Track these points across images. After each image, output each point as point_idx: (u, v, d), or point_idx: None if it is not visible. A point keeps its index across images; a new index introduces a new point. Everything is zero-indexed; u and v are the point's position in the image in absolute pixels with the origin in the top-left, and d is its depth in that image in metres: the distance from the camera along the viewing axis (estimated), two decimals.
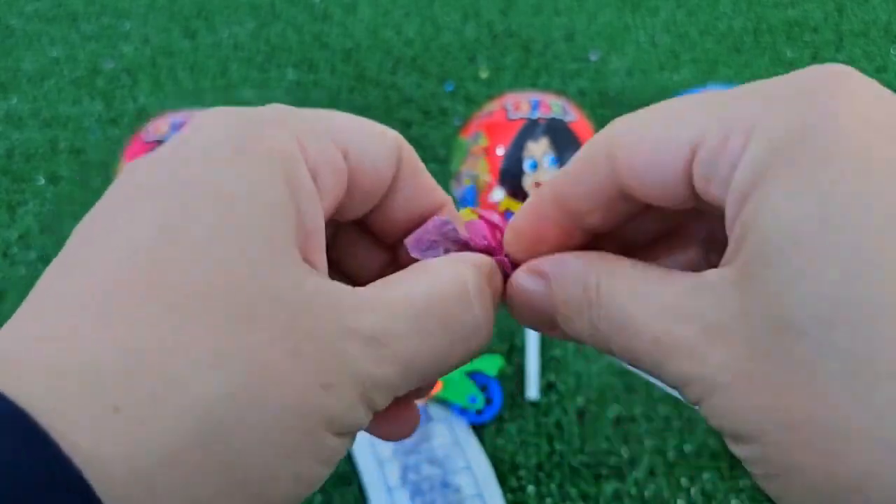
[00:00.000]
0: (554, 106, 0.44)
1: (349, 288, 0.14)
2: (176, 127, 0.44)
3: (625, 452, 0.40)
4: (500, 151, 0.43)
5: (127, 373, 0.11)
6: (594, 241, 0.17)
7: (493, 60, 0.60)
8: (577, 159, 0.16)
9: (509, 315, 0.18)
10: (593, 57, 0.60)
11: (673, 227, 0.17)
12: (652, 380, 0.17)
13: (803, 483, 0.12)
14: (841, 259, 0.11)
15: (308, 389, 0.13)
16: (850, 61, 0.59)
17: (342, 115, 0.16)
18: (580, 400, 0.42)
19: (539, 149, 0.42)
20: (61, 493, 0.10)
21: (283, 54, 0.61)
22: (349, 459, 0.39)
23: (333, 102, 0.57)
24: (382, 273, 0.17)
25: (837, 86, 0.12)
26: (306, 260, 0.14)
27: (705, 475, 0.39)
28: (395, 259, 0.18)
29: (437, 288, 0.15)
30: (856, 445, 0.11)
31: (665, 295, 0.14)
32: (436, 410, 0.41)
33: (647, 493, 0.39)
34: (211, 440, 0.12)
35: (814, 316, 0.11)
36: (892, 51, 0.60)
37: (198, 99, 0.58)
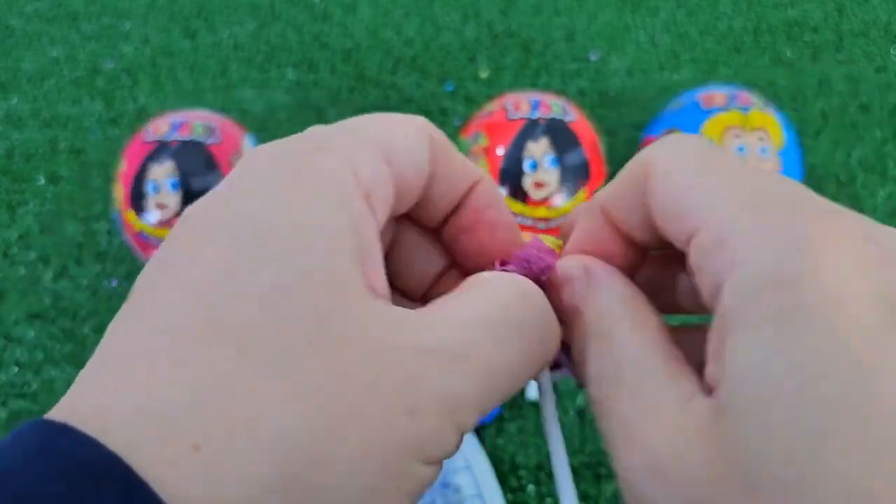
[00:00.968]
0: (554, 106, 0.44)
1: (417, 311, 0.14)
2: (176, 127, 0.44)
3: None
4: (500, 151, 0.43)
5: (203, 411, 0.11)
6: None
7: (493, 60, 0.60)
8: (620, 173, 0.16)
9: None
10: (593, 57, 0.60)
11: None
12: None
13: None
14: (806, 436, 0.11)
15: (390, 418, 0.12)
16: (850, 61, 0.59)
17: (378, 120, 0.16)
18: (580, 400, 0.42)
19: (539, 149, 0.42)
20: None
21: (283, 54, 0.61)
22: None
23: (333, 102, 0.57)
24: (440, 276, 0.17)
25: (831, 236, 0.12)
26: (369, 286, 0.13)
27: None
28: (445, 254, 0.18)
29: (502, 295, 0.15)
30: None
31: (663, 408, 0.13)
32: None
33: None
34: (292, 475, 0.11)
35: (774, 482, 0.11)
36: (891, 51, 0.60)
37: (198, 99, 0.58)
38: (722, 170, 0.14)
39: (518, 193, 0.42)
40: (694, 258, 0.13)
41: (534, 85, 0.58)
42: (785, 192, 0.13)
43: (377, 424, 0.12)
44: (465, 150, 0.45)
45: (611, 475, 0.40)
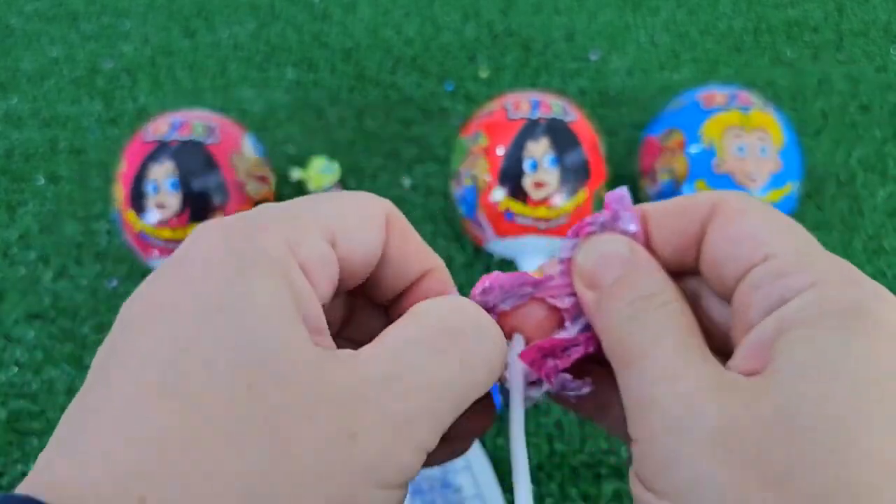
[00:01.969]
0: (554, 106, 0.44)
1: (362, 347, 0.15)
2: (176, 127, 0.44)
3: (625, 452, 0.40)
4: (500, 151, 0.43)
5: (150, 465, 0.12)
6: None
7: (493, 60, 0.60)
8: (678, 198, 0.18)
9: None
10: (593, 56, 0.60)
11: None
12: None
13: None
14: (840, 407, 0.13)
15: (332, 445, 0.13)
16: (850, 61, 0.59)
17: (333, 200, 0.17)
18: None
19: (539, 148, 0.42)
20: None
21: (282, 54, 0.61)
22: None
23: (333, 102, 0.57)
24: None
25: (877, 287, 0.15)
26: (310, 339, 0.14)
27: None
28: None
29: (434, 310, 0.16)
30: None
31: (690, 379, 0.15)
32: None
33: None
34: None
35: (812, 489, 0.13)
36: (892, 50, 0.60)
37: (197, 98, 0.58)
38: (787, 221, 0.16)
39: (518, 193, 0.42)
40: (756, 277, 0.15)
41: (534, 84, 0.58)
42: (829, 261, 0.16)
43: (319, 453, 0.13)
44: (465, 149, 0.45)
45: (611, 475, 0.40)
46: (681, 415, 0.14)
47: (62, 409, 0.43)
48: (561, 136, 0.43)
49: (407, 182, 0.52)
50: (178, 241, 0.42)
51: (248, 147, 0.45)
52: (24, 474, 0.41)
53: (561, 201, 0.42)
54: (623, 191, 0.18)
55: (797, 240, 0.16)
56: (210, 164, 0.43)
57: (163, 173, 0.42)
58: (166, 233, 0.42)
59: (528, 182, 0.42)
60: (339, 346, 0.15)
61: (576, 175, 0.42)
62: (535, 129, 0.43)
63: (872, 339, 0.14)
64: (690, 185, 0.43)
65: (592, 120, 0.47)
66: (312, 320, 0.15)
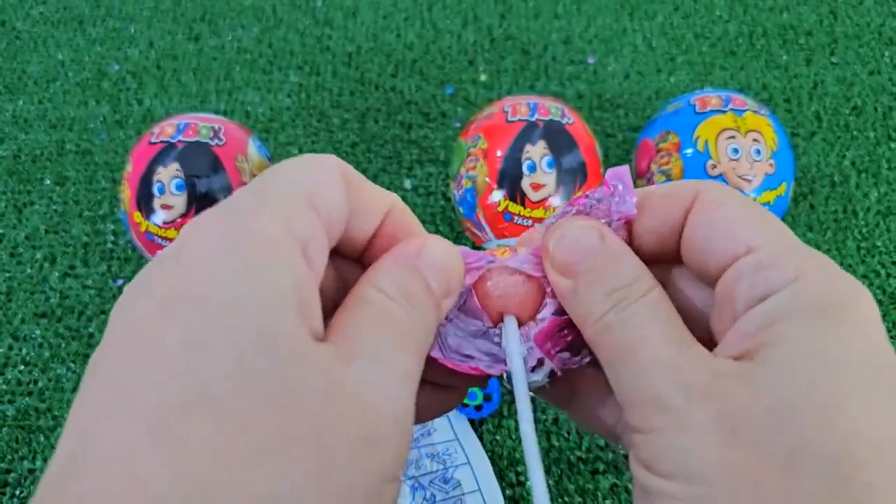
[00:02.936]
0: (552, 109, 0.45)
1: (335, 347, 0.15)
2: (181, 129, 0.44)
3: (621, 448, 0.41)
4: (499, 153, 0.43)
5: (182, 482, 0.12)
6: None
7: (492, 64, 0.61)
8: (655, 188, 0.18)
9: None
10: (591, 60, 0.61)
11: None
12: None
13: None
14: (828, 386, 0.14)
15: (355, 452, 0.14)
16: (844, 64, 0.60)
17: (300, 168, 0.16)
18: None
19: (537, 151, 0.43)
20: None
21: (285, 57, 0.62)
22: None
23: (335, 105, 0.58)
24: None
25: (862, 301, 0.16)
26: (313, 336, 0.14)
27: None
28: None
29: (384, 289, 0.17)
30: None
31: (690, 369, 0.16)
32: None
33: None
34: None
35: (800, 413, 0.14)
36: (885, 54, 0.61)
37: (202, 101, 0.59)
38: (765, 213, 0.17)
39: (516, 195, 0.43)
40: (740, 269, 0.16)
41: (532, 88, 0.59)
42: (815, 257, 0.16)
43: (351, 461, 0.13)
44: (464, 152, 0.46)
45: (608, 470, 0.40)
46: (684, 405, 0.15)
47: (69, 406, 0.44)
48: (558, 138, 0.43)
49: (408, 184, 0.53)
50: None
51: (253, 149, 0.46)
52: (30, 471, 0.41)
53: (558, 203, 0.43)
54: (624, 169, 0.18)
55: (776, 232, 0.16)
56: (215, 165, 0.43)
57: (169, 175, 0.43)
58: (172, 233, 0.43)
59: (526, 184, 0.43)
60: (331, 313, 0.16)
61: (573, 177, 0.43)
62: (533, 132, 0.43)
63: (852, 329, 0.15)
64: None
65: (589, 123, 0.48)
66: (311, 309, 0.15)
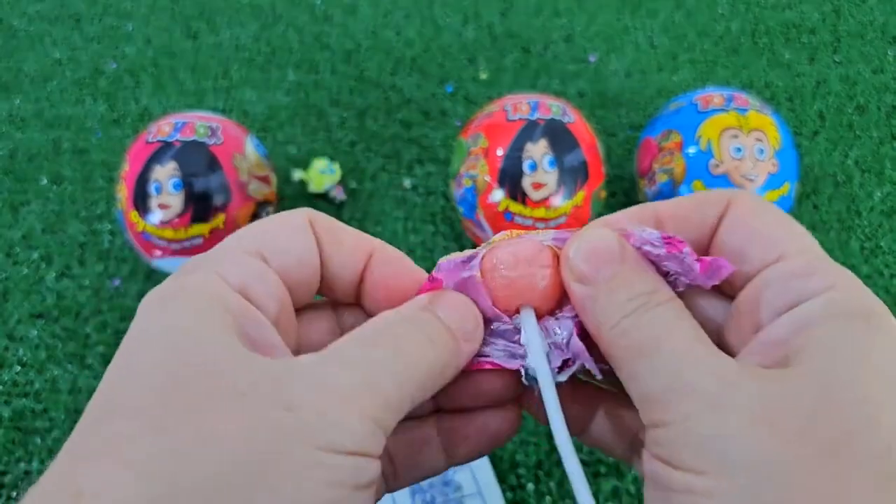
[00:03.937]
0: (553, 107, 0.45)
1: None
2: (178, 128, 0.44)
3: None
4: (500, 152, 0.43)
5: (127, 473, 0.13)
6: None
7: (493, 62, 0.60)
8: (689, 196, 0.18)
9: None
10: (592, 58, 0.60)
11: None
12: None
13: None
14: (860, 392, 0.15)
15: (264, 418, 0.14)
16: (847, 63, 0.60)
17: (255, 226, 0.18)
18: None
19: (538, 150, 0.43)
20: None
21: (284, 55, 0.61)
22: None
23: (334, 103, 0.58)
24: None
25: (889, 314, 0.16)
26: (252, 348, 0.15)
27: None
28: None
29: (367, 324, 0.17)
30: None
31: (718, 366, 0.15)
32: None
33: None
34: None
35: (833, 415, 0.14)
36: (889, 52, 0.60)
37: (200, 100, 0.58)
38: (796, 225, 0.17)
39: (517, 194, 0.42)
40: (770, 276, 0.16)
41: (533, 86, 0.58)
42: (841, 273, 0.17)
43: (251, 429, 0.14)
44: (465, 150, 0.45)
45: (609, 473, 0.40)
46: (719, 393, 0.15)
47: (65, 407, 0.44)
48: (560, 137, 0.43)
49: (407, 183, 0.53)
50: (180, 241, 0.43)
51: (251, 148, 0.46)
52: (27, 473, 0.41)
53: (559, 202, 0.43)
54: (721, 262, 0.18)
55: (808, 243, 0.17)
56: (213, 164, 0.43)
57: (166, 174, 0.42)
58: (169, 233, 0.42)
59: (527, 183, 0.42)
60: None
61: (574, 176, 0.43)
62: (534, 131, 0.43)
63: (888, 337, 0.15)
64: (688, 185, 0.44)
65: (591, 121, 0.47)
66: (255, 335, 0.16)
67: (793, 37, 0.61)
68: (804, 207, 0.51)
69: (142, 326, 0.16)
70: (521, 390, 0.19)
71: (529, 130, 0.43)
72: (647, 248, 0.17)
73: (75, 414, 0.43)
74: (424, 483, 0.38)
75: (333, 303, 0.20)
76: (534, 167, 0.42)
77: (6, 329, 0.47)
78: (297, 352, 0.17)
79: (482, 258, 0.18)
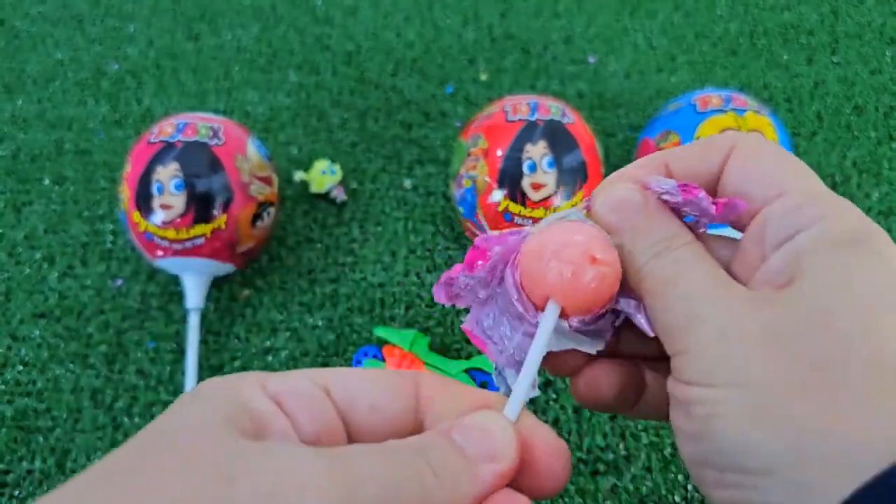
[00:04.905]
0: (552, 108, 0.45)
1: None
2: (181, 129, 0.44)
3: (622, 449, 0.41)
4: (499, 153, 0.43)
5: None
6: None
7: (493, 63, 0.61)
8: (695, 142, 0.20)
9: None
10: (591, 59, 0.61)
11: None
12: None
13: None
14: (860, 309, 0.16)
15: (206, 490, 0.14)
16: (845, 64, 0.60)
17: (350, 370, 0.19)
18: None
19: (537, 150, 0.43)
20: None
21: (285, 56, 0.61)
22: None
23: (335, 104, 0.58)
24: None
25: (881, 235, 0.17)
26: (244, 435, 0.16)
27: None
28: None
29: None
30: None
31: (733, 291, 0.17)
32: None
33: (643, 489, 0.40)
34: None
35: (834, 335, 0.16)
36: (886, 53, 0.61)
37: (202, 101, 0.59)
38: (796, 162, 0.19)
39: (517, 195, 0.43)
40: (771, 212, 0.18)
41: (533, 87, 0.59)
42: (833, 199, 0.18)
43: (194, 499, 0.14)
44: (464, 151, 0.46)
45: (608, 471, 0.40)
46: (727, 324, 0.17)
47: (67, 406, 0.44)
48: (559, 138, 0.43)
49: (408, 183, 0.53)
50: (182, 242, 0.43)
51: (252, 149, 0.46)
52: (29, 472, 0.41)
53: (559, 203, 0.43)
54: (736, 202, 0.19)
55: (805, 179, 0.18)
56: (215, 165, 0.43)
57: (168, 174, 0.43)
58: (171, 233, 0.43)
59: (526, 183, 0.43)
60: None
61: (573, 176, 0.43)
62: (534, 132, 0.43)
63: (876, 257, 0.17)
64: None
65: (590, 122, 0.48)
66: (252, 418, 0.16)
67: (791, 38, 0.62)
68: None
69: (165, 418, 0.17)
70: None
71: (529, 131, 0.43)
72: (667, 196, 0.19)
73: (77, 413, 0.44)
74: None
75: None
76: (533, 168, 0.43)
77: (9, 329, 0.47)
78: None
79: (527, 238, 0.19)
